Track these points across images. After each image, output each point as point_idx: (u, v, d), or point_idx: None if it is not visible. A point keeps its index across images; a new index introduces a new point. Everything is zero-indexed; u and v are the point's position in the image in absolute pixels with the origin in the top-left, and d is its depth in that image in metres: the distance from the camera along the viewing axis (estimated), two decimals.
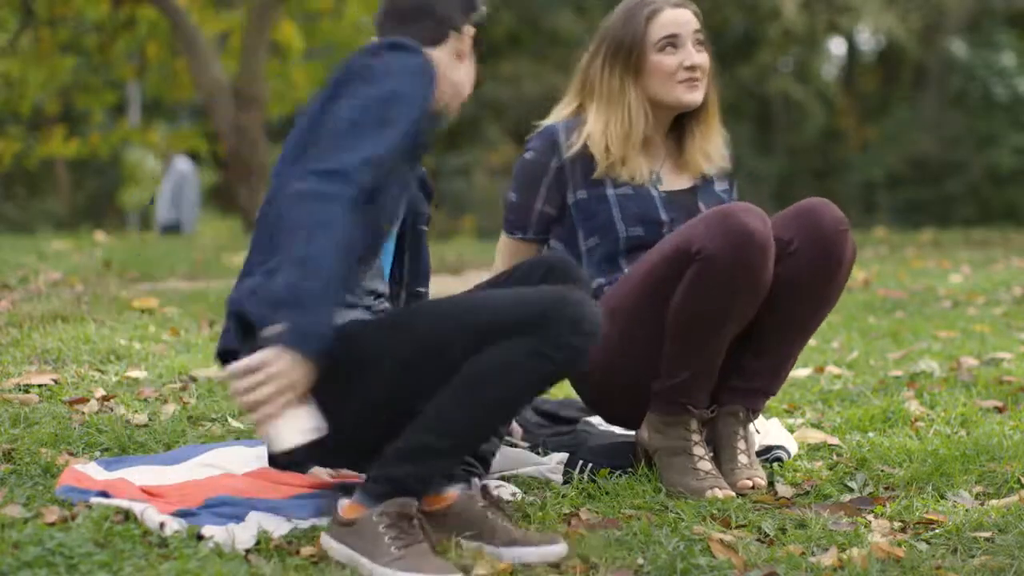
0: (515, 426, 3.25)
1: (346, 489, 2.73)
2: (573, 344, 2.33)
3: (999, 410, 3.74)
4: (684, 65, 3.04)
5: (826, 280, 2.93)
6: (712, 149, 3.16)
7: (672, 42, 3.05)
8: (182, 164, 13.87)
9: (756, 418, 3.07)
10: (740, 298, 2.83)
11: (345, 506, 2.40)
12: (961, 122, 19.16)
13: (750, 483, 2.92)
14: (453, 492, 2.49)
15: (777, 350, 3.00)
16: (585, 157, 3.07)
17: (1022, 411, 3.69)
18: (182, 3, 11.62)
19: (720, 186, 3.20)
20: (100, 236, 10.71)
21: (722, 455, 2.99)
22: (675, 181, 3.15)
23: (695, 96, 3.07)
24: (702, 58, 3.08)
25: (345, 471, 2.81)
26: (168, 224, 13.58)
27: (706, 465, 2.92)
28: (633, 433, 3.11)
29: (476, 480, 2.62)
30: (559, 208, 3.11)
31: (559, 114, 3.15)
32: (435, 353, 2.34)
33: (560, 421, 3.45)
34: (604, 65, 3.07)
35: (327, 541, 2.39)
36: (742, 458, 2.98)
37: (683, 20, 3.07)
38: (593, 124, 3.07)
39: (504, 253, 3.20)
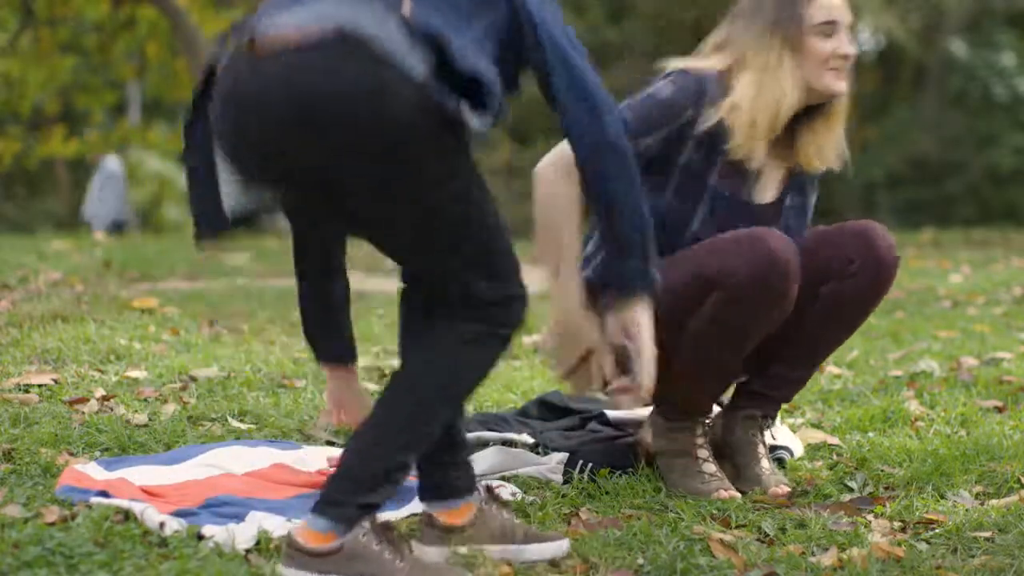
0: (525, 437, 3.25)
1: None
2: (509, 338, 2.26)
3: (999, 410, 3.74)
4: (838, 53, 2.89)
5: (872, 302, 2.93)
6: (830, 147, 3.01)
7: (830, 29, 2.89)
8: (111, 164, 13.94)
9: (772, 424, 3.07)
10: (762, 323, 2.81)
11: (310, 534, 2.21)
12: (961, 122, 19.15)
13: (781, 490, 2.90)
14: (470, 503, 2.44)
15: (811, 363, 3.01)
16: (713, 130, 2.87)
17: (1022, 411, 3.69)
18: (182, 3, 11.62)
19: (812, 192, 3.06)
20: (100, 236, 10.70)
21: (740, 458, 2.98)
22: (768, 179, 2.98)
23: (842, 85, 2.91)
24: (854, 49, 2.93)
25: None
26: (95, 219, 13.67)
27: (710, 467, 2.91)
28: (633, 434, 3.11)
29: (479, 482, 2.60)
30: (660, 156, 2.87)
31: (705, 63, 2.92)
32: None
33: (569, 413, 3.45)
34: (762, 35, 2.88)
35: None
36: (765, 463, 2.98)
37: (841, 7, 2.93)
38: (743, 92, 2.87)
39: (566, 165, 2.75)
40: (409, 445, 2.25)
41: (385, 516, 2.58)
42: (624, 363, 2.41)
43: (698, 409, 2.94)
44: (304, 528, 2.23)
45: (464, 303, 2.23)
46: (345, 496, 2.23)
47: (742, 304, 2.76)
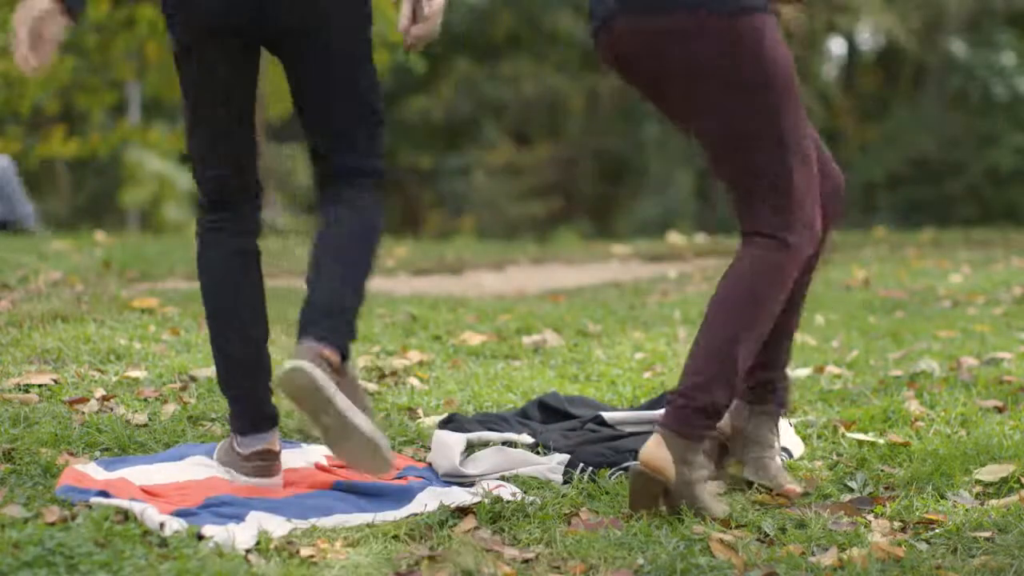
0: (525, 437, 3.24)
1: (354, 491, 2.72)
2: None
3: (999, 410, 3.73)
4: None
5: (834, 225, 3.03)
6: None
7: None
8: (2, 161, 13.89)
9: (786, 413, 3.07)
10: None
11: (332, 353, 2.65)
12: (961, 122, 19.16)
13: (795, 488, 2.90)
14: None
15: (791, 341, 3.02)
16: None
17: (1022, 411, 3.69)
18: None
19: None
20: (100, 236, 10.70)
21: (755, 451, 2.97)
22: None
23: None
24: None
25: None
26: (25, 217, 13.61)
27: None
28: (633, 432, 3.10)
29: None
30: None
31: None
32: None
33: (568, 416, 3.45)
34: None
35: (330, 385, 2.59)
36: (779, 459, 2.98)
37: None
38: None
39: None
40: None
41: (385, 516, 2.59)
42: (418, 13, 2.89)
43: (716, 421, 2.82)
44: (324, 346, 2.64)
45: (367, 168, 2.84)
46: (335, 323, 2.70)
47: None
